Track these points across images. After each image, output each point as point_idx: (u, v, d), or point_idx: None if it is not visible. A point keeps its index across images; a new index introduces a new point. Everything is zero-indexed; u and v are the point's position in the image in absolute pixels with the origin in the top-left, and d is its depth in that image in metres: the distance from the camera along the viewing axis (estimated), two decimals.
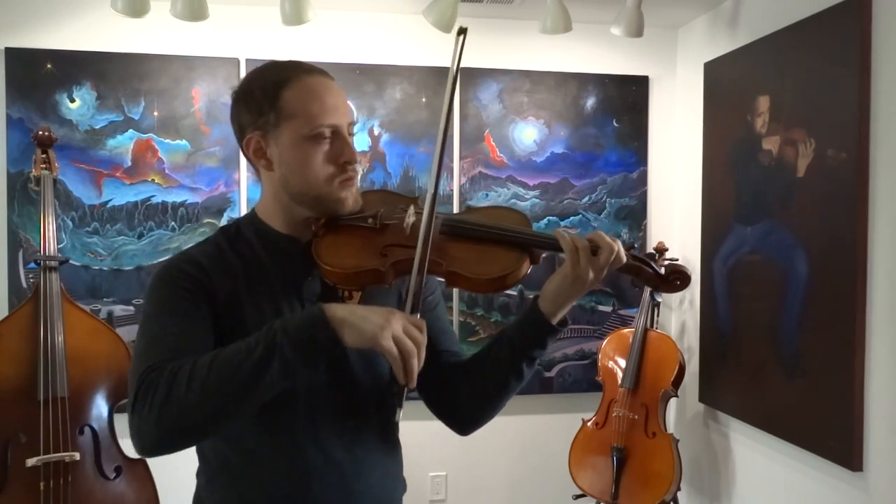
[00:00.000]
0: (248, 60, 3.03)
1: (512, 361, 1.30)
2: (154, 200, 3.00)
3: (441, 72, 3.15)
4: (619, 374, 3.03)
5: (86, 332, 2.47)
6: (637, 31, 2.86)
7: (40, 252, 2.47)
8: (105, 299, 2.95)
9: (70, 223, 2.92)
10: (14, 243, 2.88)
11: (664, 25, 3.33)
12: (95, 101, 2.94)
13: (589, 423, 3.07)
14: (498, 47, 3.23)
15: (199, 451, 1.31)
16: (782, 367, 2.57)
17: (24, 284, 2.88)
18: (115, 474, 2.46)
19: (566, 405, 3.30)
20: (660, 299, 3.16)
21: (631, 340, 3.04)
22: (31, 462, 2.31)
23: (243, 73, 3.02)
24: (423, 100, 3.17)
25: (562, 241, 1.22)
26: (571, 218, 3.29)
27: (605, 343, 3.14)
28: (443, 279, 1.27)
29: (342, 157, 1.25)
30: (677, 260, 3.17)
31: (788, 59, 2.56)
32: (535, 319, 1.27)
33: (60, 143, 2.79)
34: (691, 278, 1.35)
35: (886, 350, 2.17)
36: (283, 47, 3.04)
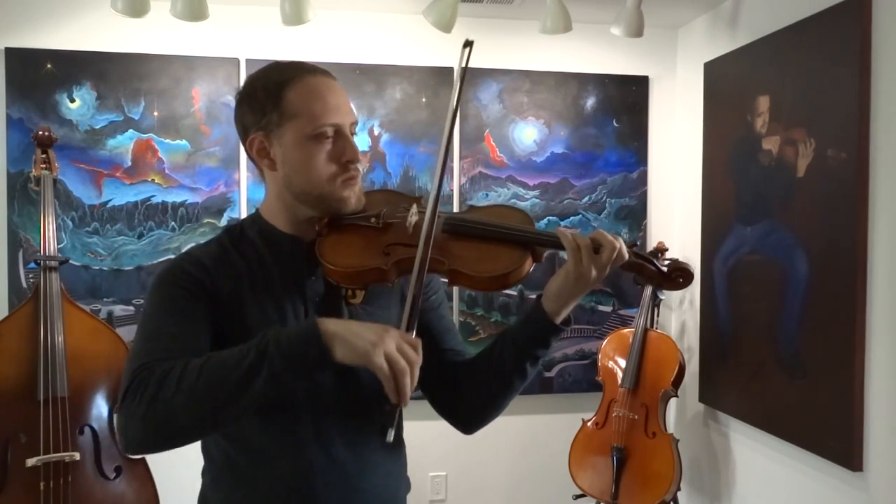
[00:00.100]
0: (248, 60, 3.03)
1: (516, 361, 1.30)
2: (154, 200, 2.99)
3: (441, 72, 3.15)
4: (619, 374, 3.03)
5: (86, 332, 2.47)
6: (637, 31, 2.86)
7: (40, 252, 2.47)
8: (105, 299, 2.95)
9: (70, 223, 2.92)
10: (14, 243, 2.87)
11: (664, 25, 3.34)
12: (95, 101, 2.94)
13: (589, 423, 3.07)
14: (498, 47, 3.23)
15: (204, 451, 1.31)
16: (782, 367, 2.58)
17: (24, 284, 2.87)
18: (115, 474, 2.46)
19: (566, 405, 3.30)
20: (662, 297, 3.17)
21: (631, 340, 3.04)
22: (31, 462, 2.31)
23: (243, 73, 3.02)
24: (423, 100, 3.17)
25: (564, 240, 1.22)
26: (571, 218, 3.29)
27: (605, 343, 3.14)
28: (445, 278, 1.27)
29: (345, 156, 1.25)
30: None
31: (788, 59, 2.56)
32: (538, 319, 1.27)
33: (60, 143, 2.79)
34: (694, 275, 1.35)
35: (886, 350, 2.17)
36: (283, 47, 3.04)
